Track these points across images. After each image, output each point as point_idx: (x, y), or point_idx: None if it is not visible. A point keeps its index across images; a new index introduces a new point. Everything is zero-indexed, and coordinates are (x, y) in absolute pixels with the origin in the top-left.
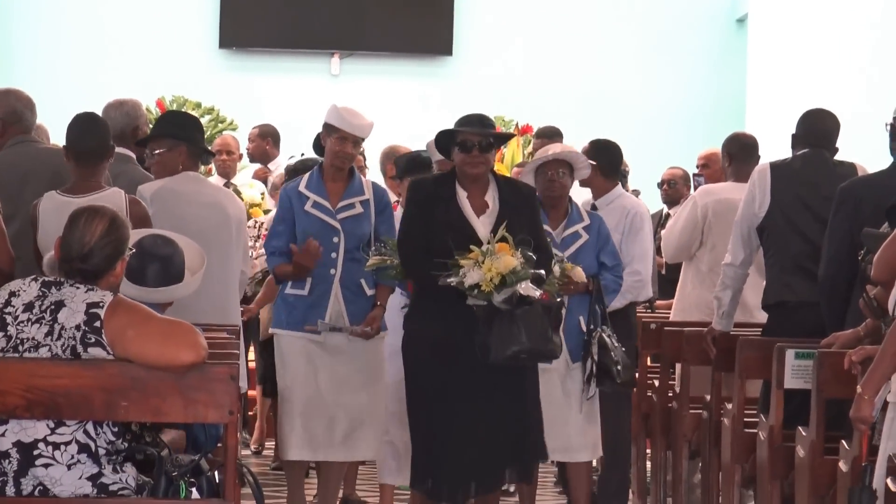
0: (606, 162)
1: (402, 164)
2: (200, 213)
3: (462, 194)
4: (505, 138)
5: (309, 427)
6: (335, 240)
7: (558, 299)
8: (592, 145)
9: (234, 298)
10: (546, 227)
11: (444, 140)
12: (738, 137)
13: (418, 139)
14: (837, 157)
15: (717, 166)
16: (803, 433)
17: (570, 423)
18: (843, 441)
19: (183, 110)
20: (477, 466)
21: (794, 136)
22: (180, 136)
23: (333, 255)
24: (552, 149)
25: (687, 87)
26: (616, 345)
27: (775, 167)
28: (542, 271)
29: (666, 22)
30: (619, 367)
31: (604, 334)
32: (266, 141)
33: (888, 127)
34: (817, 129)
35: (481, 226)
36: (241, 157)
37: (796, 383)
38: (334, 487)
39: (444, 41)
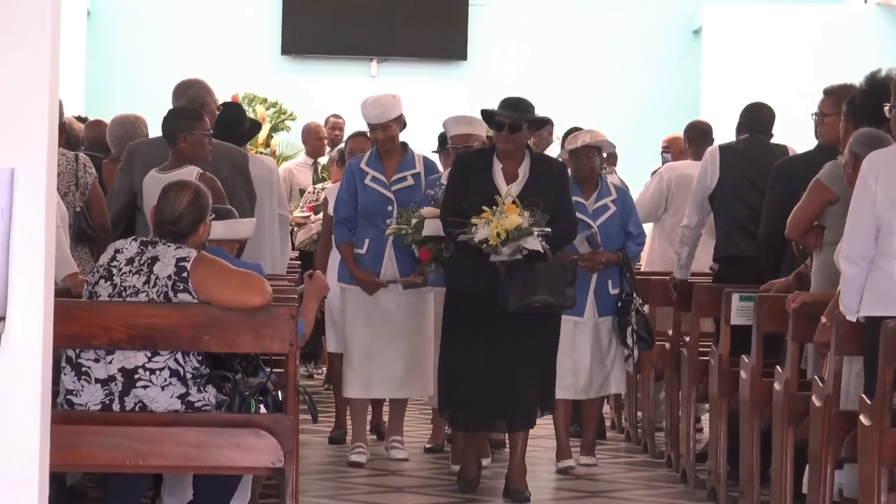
0: None
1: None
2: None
3: (497, 165)
4: (539, 122)
5: (367, 369)
6: (389, 208)
7: (574, 257)
8: (565, 134)
9: (264, 243)
10: (580, 199)
11: (488, 118)
12: (696, 125)
13: (440, 128)
14: (773, 140)
15: (678, 147)
16: (746, 360)
17: (594, 368)
18: (778, 367)
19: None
20: (497, 403)
21: (738, 124)
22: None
23: (388, 221)
24: (581, 138)
25: (655, 86)
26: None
27: (723, 148)
28: (549, 229)
29: (638, 34)
30: (651, 334)
31: (637, 303)
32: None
33: (814, 116)
34: (757, 118)
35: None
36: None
37: (740, 320)
38: (400, 414)
39: (459, 48)
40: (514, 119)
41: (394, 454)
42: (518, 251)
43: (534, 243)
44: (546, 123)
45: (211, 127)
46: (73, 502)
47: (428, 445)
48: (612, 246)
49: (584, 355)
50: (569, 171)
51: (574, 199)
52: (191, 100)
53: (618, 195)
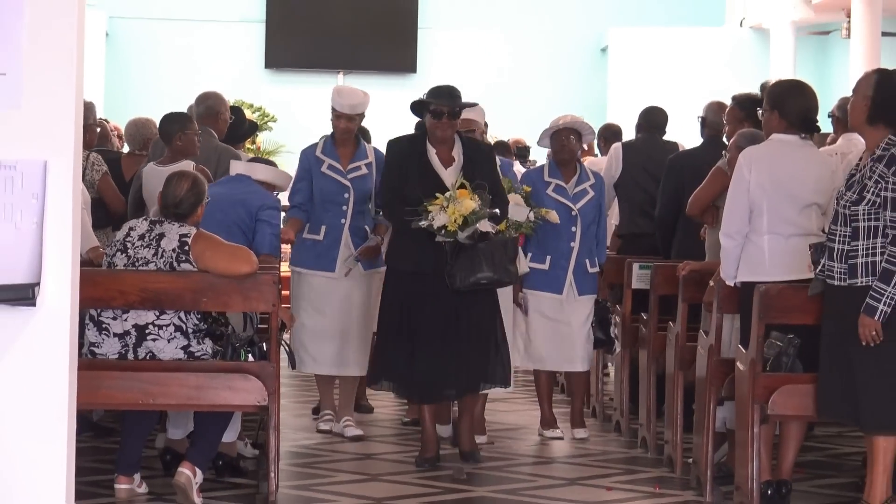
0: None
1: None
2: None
3: (432, 151)
4: (468, 105)
5: (315, 349)
6: (346, 195)
7: (515, 234)
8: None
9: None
10: (560, 182)
11: (418, 107)
12: (610, 126)
13: (395, 128)
14: (666, 138)
15: (587, 143)
16: (644, 318)
17: (575, 342)
18: (671, 322)
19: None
20: (447, 374)
21: (637, 124)
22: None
23: (344, 207)
24: (562, 119)
25: (571, 94)
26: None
27: (625, 145)
28: (498, 210)
29: (557, 51)
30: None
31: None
32: None
33: (699, 119)
34: (652, 119)
35: (448, 176)
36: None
37: (640, 285)
38: (349, 394)
39: (410, 63)
40: (453, 107)
41: (348, 432)
42: (474, 234)
43: (486, 225)
44: (475, 105)
45: (223, 132)
46: (101, 435)
47: (406, 419)
48: (589, 229)
49: (563, 329)
50: (549, 154)
51: (554, 181)
52: (209, 108)
53: (596, 180)
